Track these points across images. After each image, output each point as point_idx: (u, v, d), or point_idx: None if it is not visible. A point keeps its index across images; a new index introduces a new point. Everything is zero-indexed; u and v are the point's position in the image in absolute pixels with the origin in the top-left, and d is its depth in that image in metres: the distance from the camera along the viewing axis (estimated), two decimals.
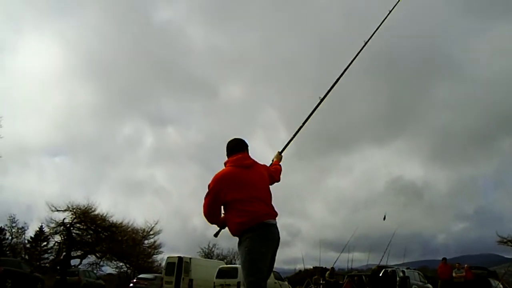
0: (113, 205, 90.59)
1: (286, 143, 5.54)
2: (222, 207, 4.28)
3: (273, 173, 4.80)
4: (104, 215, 39.50)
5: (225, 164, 4.45)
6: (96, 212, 39.05)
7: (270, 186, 4.55)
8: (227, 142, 4.60)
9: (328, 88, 5.94)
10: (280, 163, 5.14)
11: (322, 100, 5.85)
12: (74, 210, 37.88)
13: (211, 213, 4.28)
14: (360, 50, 6.36)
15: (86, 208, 38.33)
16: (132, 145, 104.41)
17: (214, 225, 4.45)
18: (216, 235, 4.65)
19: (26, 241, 43.05)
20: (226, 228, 4.38)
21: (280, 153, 5.31)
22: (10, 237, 42.47)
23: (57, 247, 39.73)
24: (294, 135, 5.63)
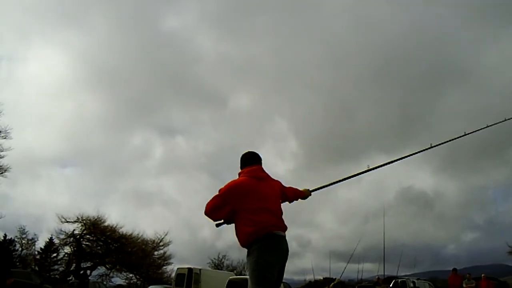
0: (122, 216, 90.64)
1: (321, 186, 5.34)
2: (231, 213, 4.31)
3: (288, 192, 4.81)
4: (114, 226, 39.69)
5: (239, 174, 4.54)
6: (106, 224, 39.26)
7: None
8: (241, 154, 4.70)
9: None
10: (303, 197, 5.03)
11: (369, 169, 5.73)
12: (84, 222, 38.09)
13: (212, 212, 4.33)
14: None
15: (96, 219, 38.52)
16: (141, 156, 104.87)
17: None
18: (217, 225, 4.66)
19: (36, 253, 43.30)
20: (225, 227, 4.48)
21: (310, 191, 5.18)
22: (20, 249, 42.78)
23: (67, 258, 39.85)
24: (332, 183, 5.43)
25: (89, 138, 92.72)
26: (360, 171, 5.64)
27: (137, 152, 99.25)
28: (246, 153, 4.70)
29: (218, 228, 4.75)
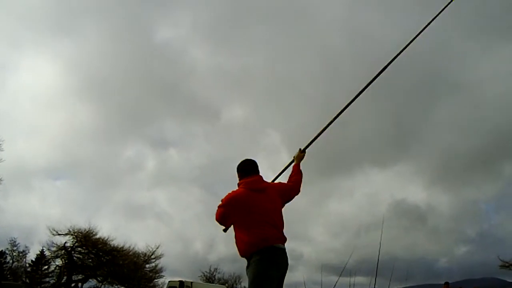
0: (114, 229, 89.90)
1: (312, 139, 5.23)
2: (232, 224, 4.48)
3: (291, 189, 4.80)
4: (106, 239, 39.45)
5: (238, 184, 4.57)
6: (97, 236, 38.99)
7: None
8: (239, 163, 4.70)
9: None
10: (301, 168, 5.02)
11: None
12: (76, 234, 37.83)
13: (222, 221, 4.54)
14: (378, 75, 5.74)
15: (87, 232, 38.29)
16: (133, 168, 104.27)
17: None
18: (225, 230, 4.79)
19: (27, 265, 43.02)
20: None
21: (302, 150, 5.14)
22: (11, 261, 42.54)
23: (58, 271, 39.60)
24: (322, 131, 5.27)
25: (81, 149, 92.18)
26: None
27: (129, 164, 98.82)
28: (243, 161, 4.70)
29: (225, 232, 4.84)
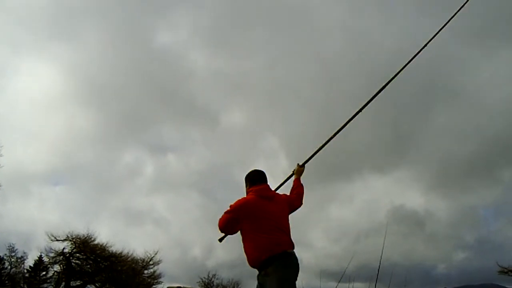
0: (112, 235, 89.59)
1: (311, 154, 5.33)
2: (239, 231, 4.47)
3: (294, 200, 4.92)
4: (104, 244, 39.37)
5: (247, 192, 4.64)
6: (95, 242, 38.92)
7: (293, 213, 4.77)
8: (247, 173, 4.78)
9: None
10: (301, 181, 5.12)
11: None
12: (74, 240, 37.77)
13: (226, 228, 4.53)
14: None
15: (85, 237, 38.22)
16: (132, 173, 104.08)
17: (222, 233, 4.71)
18: (221, 240, 4.86)
19: (25, 271, 42.84)
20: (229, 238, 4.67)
21: (301, 166, 5.24)
22: (9, 267, 42.35)
23: (56, 277, 39.48)
24: (322, 146, 5.40)
25: (79, 154, 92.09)
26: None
27: (128, 170, 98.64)
28: (253, 171, 4.79)
29: (221, 242, 4.91)
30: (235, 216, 4.40)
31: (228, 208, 4.46)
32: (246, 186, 4.73)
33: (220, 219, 4.47)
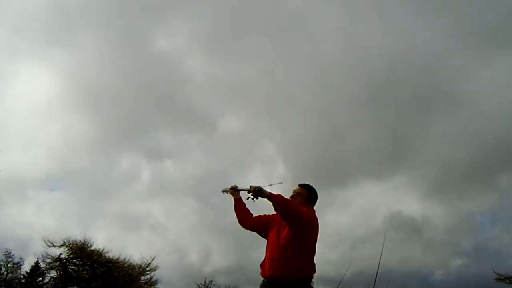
0: (109, 240, 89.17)
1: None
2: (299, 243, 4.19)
3: None
4: (101, 250, 39.25)
5: (307, 206, 4.42)
6: (92, 248, 38.80)
7: None
8: (312, 188, 4.59)
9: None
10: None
11: None
12: (71, 245, 37.68)
13: (294, 213, 4.10)
14: None
15: (82, 243, 38.12)
16: (129, 179, 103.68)
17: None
18: (225, 191, 4.81)
19: (22, 277, 42.62)
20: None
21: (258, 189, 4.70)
22: (5, 272, 42.10)
23: (53, 282, 39.34)
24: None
25: (76, 160, 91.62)
26: None
27: (125, 175, 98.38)
28: (316, 190, 4.61)
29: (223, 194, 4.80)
30: (316, 222, 4.27)
31: (302, 207, 4.21)
32: (309, 201, 4.49)
33: (291, 202, 4.19)
